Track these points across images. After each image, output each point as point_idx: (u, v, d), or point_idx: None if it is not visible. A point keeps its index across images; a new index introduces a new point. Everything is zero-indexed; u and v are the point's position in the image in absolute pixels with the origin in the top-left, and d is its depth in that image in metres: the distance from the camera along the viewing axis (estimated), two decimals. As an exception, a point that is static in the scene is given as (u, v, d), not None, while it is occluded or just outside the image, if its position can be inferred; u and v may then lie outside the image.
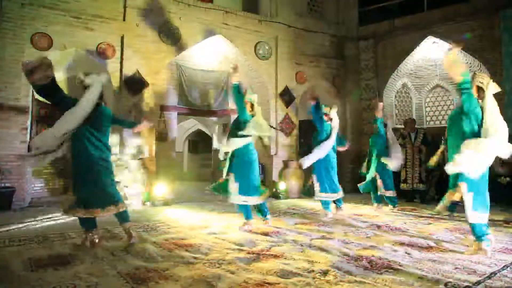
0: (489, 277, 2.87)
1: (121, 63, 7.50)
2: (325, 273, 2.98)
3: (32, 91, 6.95)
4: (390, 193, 6.56)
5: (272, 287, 2.68)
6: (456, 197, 3.58)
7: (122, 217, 3.98)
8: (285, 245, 3.93)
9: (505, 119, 8.07)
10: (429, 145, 7.76)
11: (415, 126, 8.05)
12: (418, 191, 7.69)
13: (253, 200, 4.80)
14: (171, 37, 7.95)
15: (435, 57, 9.64)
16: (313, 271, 3.03)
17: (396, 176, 8.13)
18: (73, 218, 5.31)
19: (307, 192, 6.17)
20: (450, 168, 3.56)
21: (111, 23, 7.41)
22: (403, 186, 7.75)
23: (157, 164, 7.60)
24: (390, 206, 6.58)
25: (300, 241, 4.11)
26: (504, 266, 3.16)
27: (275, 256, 3.47)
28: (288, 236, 4.35)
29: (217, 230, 4.67)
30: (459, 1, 8.86)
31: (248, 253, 3.59)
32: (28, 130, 6.78)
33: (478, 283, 2.75)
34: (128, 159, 7.04)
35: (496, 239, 4.17)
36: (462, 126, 3.65)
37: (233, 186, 4.74)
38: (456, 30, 8.75)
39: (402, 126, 8.60)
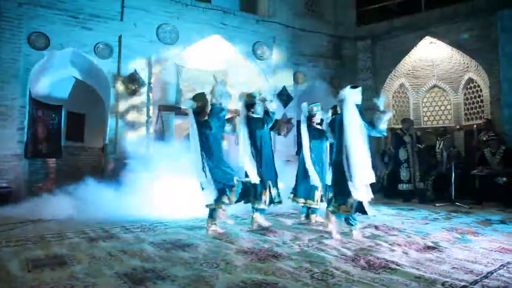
0: (486, 277, 2.88)
1: (118, 62, 7.49)
2: (323, 273, 2.99)
3: (30, 91, 6.93)
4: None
5: (270, 287, 2.68)
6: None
7: None
8: (283, 245, 3.93)
9: (502, 120, 8.11)
10: (421, 144, 7.98)
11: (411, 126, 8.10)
12: (418, 190, 7.66)
13: None
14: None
15: (433, 57, 9.67)
16: (311, 271, 3.04)
17: (394, 176, 8.15)
18: (69, 218, 5.33)
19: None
20: None
21: (108, 22, 7.40)
22: (403, 187, 7.71)
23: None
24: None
25: (298, 241, 4.11)
26: (501, 266, 3.17)
27: (273, 256, 3.46)
28: (286, 236, 4.35)
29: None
30: (457, 2, 8.89)
31: (246, 253, 3.59)
32: (25, 130, 6.76)
33: (475, 282, 2.76)
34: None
35: (493, 239, 4.20)
36: None
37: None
38: (453, 31, 8.78)
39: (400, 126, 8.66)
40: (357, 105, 4.18)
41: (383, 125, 4.28)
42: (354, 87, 4.28)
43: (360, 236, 4.24)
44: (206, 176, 4.38)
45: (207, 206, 4.51)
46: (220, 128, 4.60)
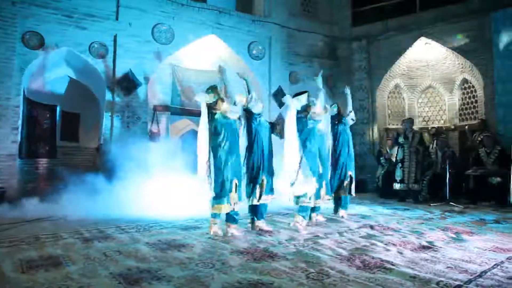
0: (480, 276, 2.90)
1: (113, 62, 7.47)
2: (318, 273, 2.99)
3: (24, 90, 6.88)
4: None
5: (266, 287, 2.68)
6: None
7: None
8: (278, 245, 3.94)
9: (497, 120, 8.20)
10: (425, 146, 7.80)
11: (412, 127, 8.02)
12: (411, 191, 7.67)
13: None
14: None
15: (428, 58, 9.72)
16: (306, 270, 3.04)
17: (389, 176, 8.19)
18: (64, 218, 5.31)
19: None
20: None
21: (103, 22, 7.37)
22: (396, 186, 7.73)
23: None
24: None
25: (294, 240, 4.12)
26: (494, 265, 3.19)
27: (269, 256, 3.46)
28: (281, 236, 4.35)
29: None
30: (452, 3, 8.94)
31: (242, 253, 3.59)
32: (19, 130, 6.71)
33: (469, 281, 2.77)
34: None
35: (487, 238, 4.23)
36: None
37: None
38: (448, 31, 8.84)
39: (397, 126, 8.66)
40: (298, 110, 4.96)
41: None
42: (297, 94, 5.14)
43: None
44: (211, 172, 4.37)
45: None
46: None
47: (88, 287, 2.67)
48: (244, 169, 4.69)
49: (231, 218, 4.49)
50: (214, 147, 4.43)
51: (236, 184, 4.39)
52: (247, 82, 4.91)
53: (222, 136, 4.40)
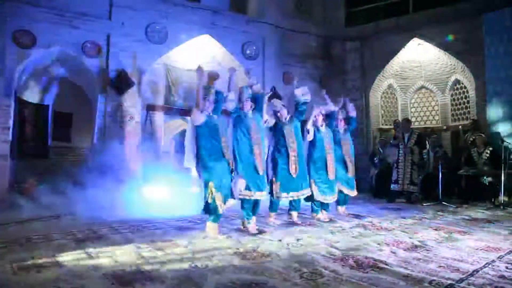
0: (471, 275, 2.93)
1: (106, 62, 7.42)
2: (312, 272, 3.00)
3: (15, 90, 6.81)
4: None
5: (259, 287, 2.68)
6: None
7: None
8: (272, 244, 3.94)
9: (488, 120, 8.29)
10: (424, 147, 7.67)
11: (410, 127, 7.92)
12: (406, 192, 7.62)
13: None
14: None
15: (420, 58, 9.79)
16: (299, 270, 3.04)
17: (383, 176, 8.24)
18: (55, 219, 5.27)
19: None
20: None
21: (96, 21, 7.32)
22: (394, 187, 7.68)
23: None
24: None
25: (287, 240, 4.12)
26: (486, 264, 3.22)
27: (262, 256, 3.47)
28: (275, 236, 4.35)
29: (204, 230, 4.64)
30: (444, 4, 9.01)
31: (235, 253, 3.59)
32: (10, 130, 6.64)
33: (461, 280, 2.80)
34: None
35: (479, 238, 4.27)
36: None
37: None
38: (440, 33, 8.91)
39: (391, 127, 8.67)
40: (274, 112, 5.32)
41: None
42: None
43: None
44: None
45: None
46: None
47: (80, 288, 2.65)
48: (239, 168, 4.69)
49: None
50: (197, 150, 4.43)
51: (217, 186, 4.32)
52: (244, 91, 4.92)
53: (203, 138, 4.38)
